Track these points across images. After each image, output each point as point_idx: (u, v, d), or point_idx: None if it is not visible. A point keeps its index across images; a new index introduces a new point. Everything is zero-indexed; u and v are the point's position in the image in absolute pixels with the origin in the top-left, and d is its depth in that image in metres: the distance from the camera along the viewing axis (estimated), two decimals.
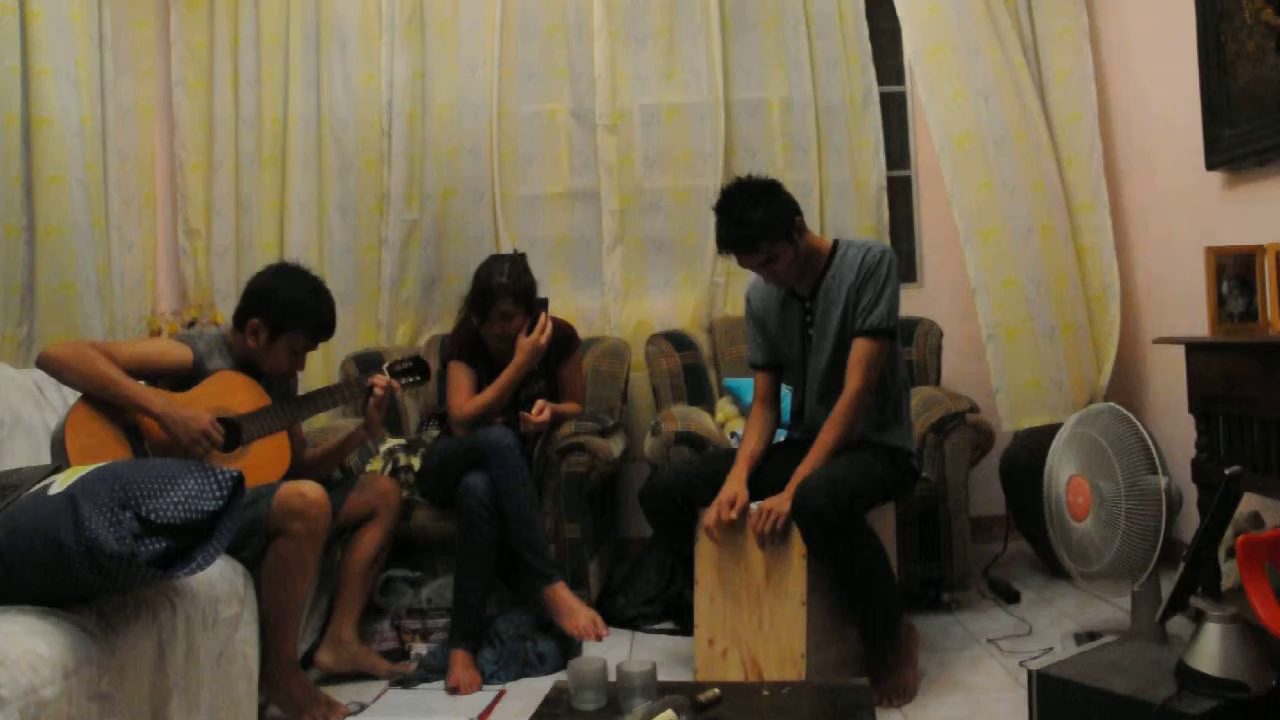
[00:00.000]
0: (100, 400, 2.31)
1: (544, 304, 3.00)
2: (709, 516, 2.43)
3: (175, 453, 2.33)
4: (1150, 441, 2.39)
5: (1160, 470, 2.36)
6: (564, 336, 3.12)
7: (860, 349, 2.45)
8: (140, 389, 2.35)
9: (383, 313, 3.83)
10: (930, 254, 3.96)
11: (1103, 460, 2.44)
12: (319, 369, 3.68)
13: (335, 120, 3.83)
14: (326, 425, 3.31)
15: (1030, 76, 3.60)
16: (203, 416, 2.35)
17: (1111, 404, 2.54)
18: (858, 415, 2.45)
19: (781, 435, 2.78)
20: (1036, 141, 3.54)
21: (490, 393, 2.95)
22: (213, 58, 3.86)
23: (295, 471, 2.57)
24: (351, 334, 3.82)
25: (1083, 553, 2.52)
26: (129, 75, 3.67)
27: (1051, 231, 3.50)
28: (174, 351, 2.47)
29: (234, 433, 2.43)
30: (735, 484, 2.45)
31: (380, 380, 2.70)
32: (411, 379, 2.83)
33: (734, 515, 2.39)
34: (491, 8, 3.84)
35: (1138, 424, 2.42)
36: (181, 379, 2.46)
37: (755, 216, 2.41)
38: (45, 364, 2.32)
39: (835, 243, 2.56)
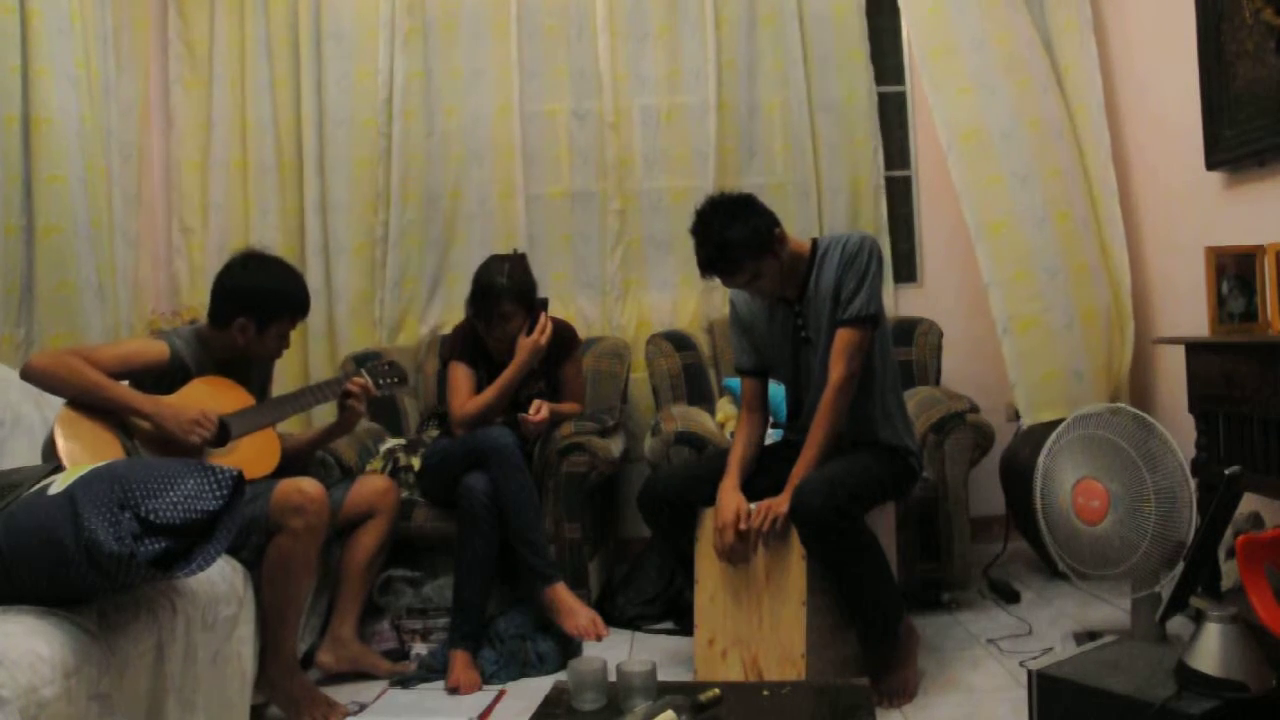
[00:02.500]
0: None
1: (544, 304, 3.00)
2: (719, 542, 2.40)
3: (166, 449, 2.34)
4: (1173, 443, 2.40)
5: (1188, 471, 2.36)
6: (564, 336, 3.12)
7: (842, 338, 2.42)
8: (128, 391, 2.36)
9: (384, 312, 3.83)
10: (930, 253, 3.96)
11: (1122, 462, 2.42)
12: (320, 369, 3.68)
13: (336, 120, 3.83)
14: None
15: (1046, 63, 3.59)
16: (192, 408, 2.36)
17: (1120, 404, 2.54)
18: (844, 405, 2.43)
19: (778, 435, 2.78)
20: (1055, 129, 3.53)
21: (490, 393, 2.95)
22: (211, 57, 3.86)
23: (284, 465, 2.58)
24: (353, 334, 3.83)
25: (1101, 556, 2.50)
26: (129, 74, 3.66)
27: (1070, 219, 3.47)
28: (151, 349, 2.47)
29: (223, 430, 2.44)
30: (732, 495, 2.42)
31: (355, 383, 2.71)
32: (389, 381, 2.83)
33: (745, 526, 2.37)
34: (493, 7, 3.84)
35: (1156, 425, 2.42)
36: (161, 376, 2.46)
37: (734, 235, 2.35)
38: (31, 376, 2.32)
39: (814, 242, 2.53)
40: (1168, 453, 2.37)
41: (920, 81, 3.68)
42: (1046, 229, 3.45)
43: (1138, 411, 2.48)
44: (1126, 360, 3.49)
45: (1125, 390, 3.49)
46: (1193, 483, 2.36)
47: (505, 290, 2.91)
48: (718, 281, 3.74)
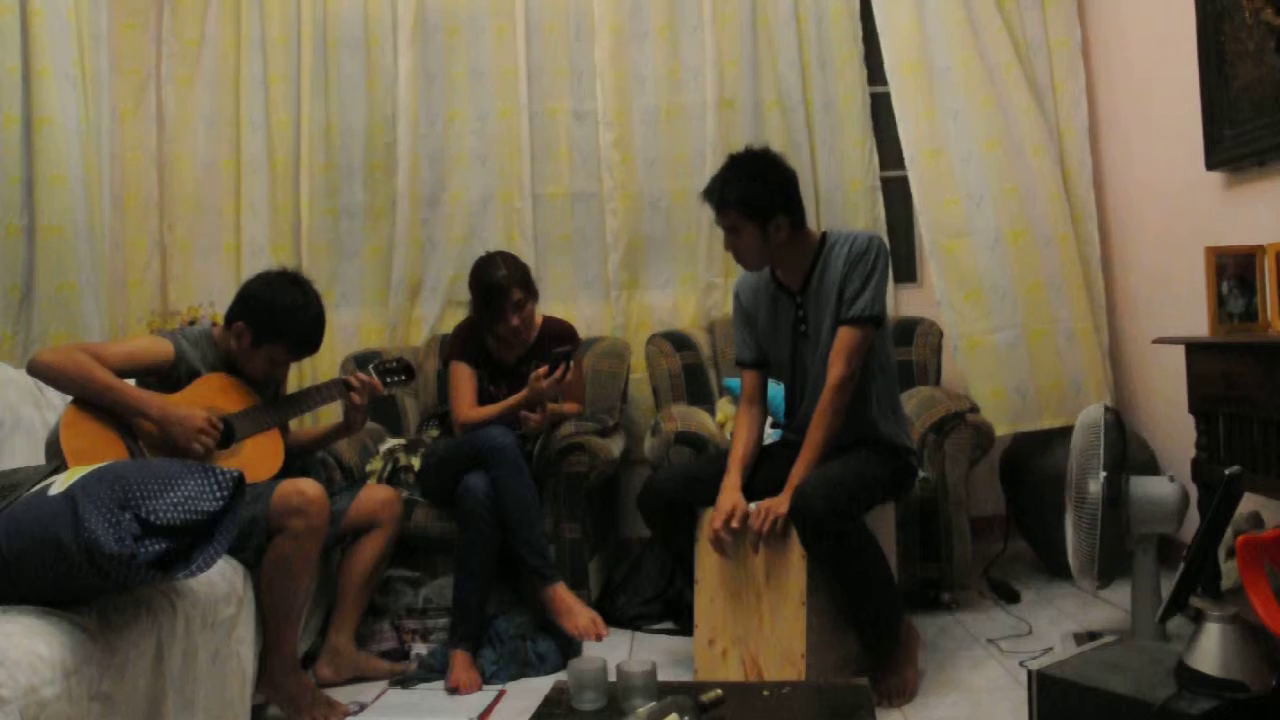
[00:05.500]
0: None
1: (567, 354, 2.92)
2: (712, 531, 2.40)
3: (171, 450, 2.34)
4: (1101, 442, 2.45)
5: (1101, 469, 2.42)
6: (564, 336, 3.12)
7: (844, 337, 2.42)
8: (135, 391, 2.35)
9: (387, 313, 3.84)
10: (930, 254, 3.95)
11: (1072, 459, 2.51)
12: (321, 369, 3.68)
13: (341, 122, 3.84)
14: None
15: (1022, 84, 3.60)
16: (198, 414, 2.36)
17: (1100, 404, 2.58)
18: (843, 405, 2.43)
19: (777, 435, 2.78)
20: (1018, 149, 3.55)
21: (494, 410, 2.95)
22: (211, 57, 3.85)
23: (286, 460, 2.58)
24: (355, 334, 3.84)
25: (1064, 546, 2.59)
26: (124, 74, 3.66)
27: (1026, 238, 3.51)
28: (156, 347, 2.46)
29: (227, 431, 2.44)
30: (732, 493, 2.42)
31: (358, 379, 2.70)
32: (397, 379, 2.84)
33: (737, 525, 2.37)
34: (494, 8, 3.84)
35: (1100, 424, 2.48)
36: (165, 375, 2.45)
37: (730, 193, 2.42)
38: (38, 370, 2.31)
39: (824, 235, 2.53)
40: (1096, 460, 2.44)
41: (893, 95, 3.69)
42: (998, 251, 3.51)
43: (1095, 410, 2.54)
44: (1102, 376, 3.52)
45: (1108, 398, 3.51)
46: (1102, 483, 2.40)
47: (509, 280, 2.94)
48: (719, 279, 3.81)
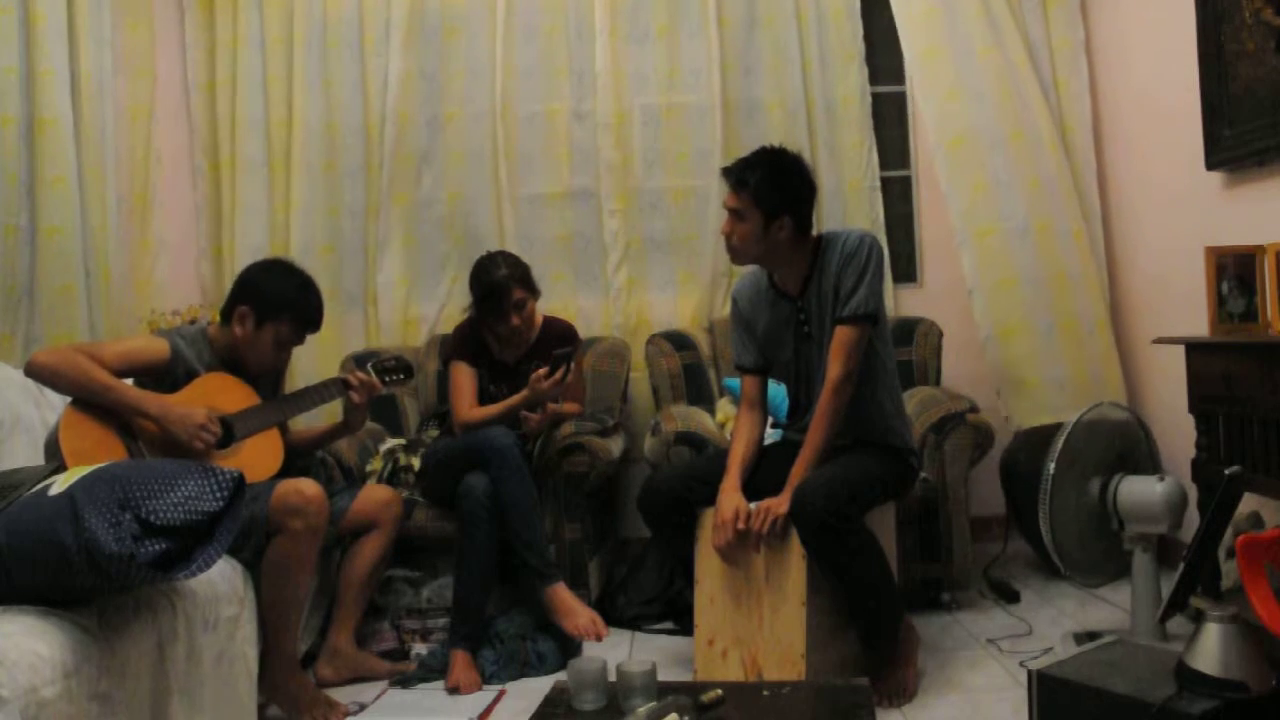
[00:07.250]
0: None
1: (568, 355, 2.91)
2: (717, 539, 2.40)
3: (170, 450, 2.33)
4: (1062, 440, 2.52)
5: (1049, 486, 2.53)
6: (564, 336, 3.12)
7: (840, 336, 2.42)
8: (134, 391, 2.35)
9: (386, 313, 3.84)
10: (930, 254, 3.96)
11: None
12: (322, 369, 3.68)
13: (341, 123, 3.84)
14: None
15: (1033, 78, 3.61)
16: (198, 411, 2.36)
17: (1103, 404, 2.60)
18: (842, 404, 2.42)
19: (778, 435, 2.78)
20: (1037, 141, 3.56)
21: (495, 410, 2.95)
22: (217, 60, 3.85)
23: (288, 466, 2.58)
24: (356, 334, 3.84)
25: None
26: (127, 76, 3.66)
27: (1050, 230, 3.52)
28: (153, 346, 2.46)
29: (227, 430, 2.44)
30: (732, 495, 2.42)
31: (357, 377, 2.70)
32: (395, 377, 2.84)
33: (744, 526, 2.37)
34: (493, 8, 3.84)
35: (1069, 423, 2.54)
36: (163, 374, 2.45)
37: (750, 176, 2.43)
38: (35, 372, 2.31)
39: (819, 238, 2.53)
40: (1050, 461, 2.54)
41: (913, 83, 3.71)
42: (1029, 239, 3.52)
43: (1082, 410, 2.60)
44: (1115, 372, 3.52)
45: (1121, 395, 3.51)
46: (1051, 469, 2.51)
47: (510, 279, 2.94)
48: (720, 279, 3.80)
